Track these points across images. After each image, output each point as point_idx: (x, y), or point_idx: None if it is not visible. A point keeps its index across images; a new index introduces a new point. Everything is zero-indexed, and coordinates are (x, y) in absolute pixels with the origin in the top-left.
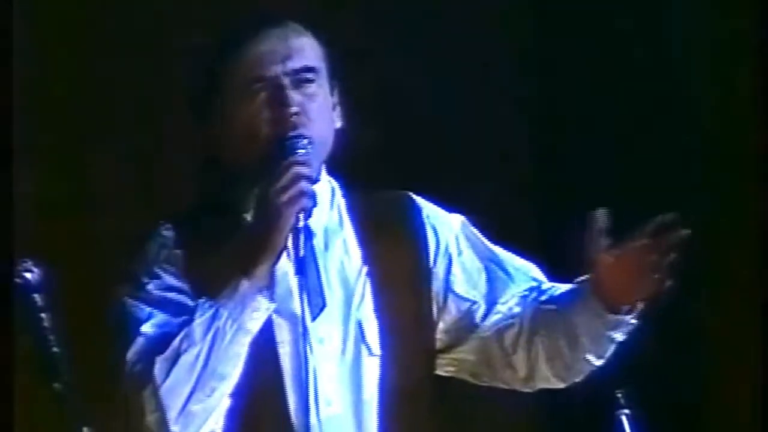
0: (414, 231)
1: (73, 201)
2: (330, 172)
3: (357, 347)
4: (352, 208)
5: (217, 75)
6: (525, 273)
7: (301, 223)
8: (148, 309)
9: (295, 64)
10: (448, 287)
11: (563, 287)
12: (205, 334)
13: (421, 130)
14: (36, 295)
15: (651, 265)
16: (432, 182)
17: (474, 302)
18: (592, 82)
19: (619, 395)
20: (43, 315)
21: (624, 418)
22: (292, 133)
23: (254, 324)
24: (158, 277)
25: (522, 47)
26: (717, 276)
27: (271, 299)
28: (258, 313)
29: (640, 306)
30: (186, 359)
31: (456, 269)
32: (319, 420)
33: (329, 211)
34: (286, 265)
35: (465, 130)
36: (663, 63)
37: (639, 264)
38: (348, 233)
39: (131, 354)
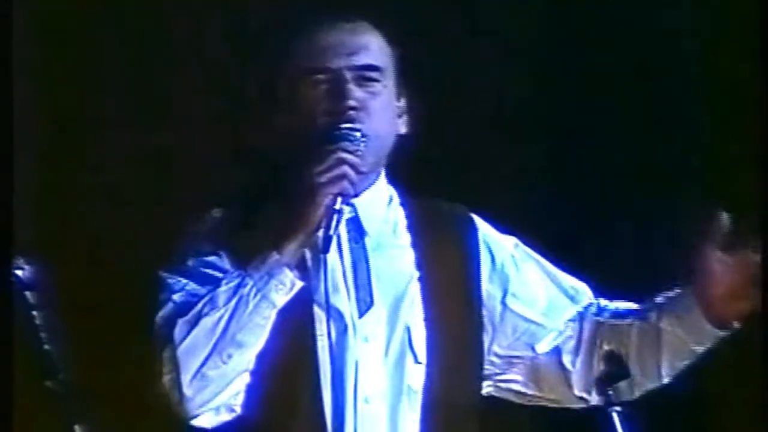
0: (469, 248)
1: (70, 198)
2: (390, 181)
3: (402, 351)
4: (409, 216)
5: (281, 62)
6: (581, 292)
7: (338, 206)
8: (183, 281)
9: (359, 60)
10: (505, 306)
11: (624, 304)
12: (229, 300)
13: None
14: (28, 293)
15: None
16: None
17: (533, 322)
18: (599, 83)
19: (610, 392)
20: (35, 312)
21: (615, 415)
22: (345, 126)
23: (278, 297)
24: (201, 254)
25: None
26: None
27: (301, 278)
28: (283, 286)
29: (738, 323)
30: (206, 322)
31: (514, 288)
32: (355, 415)
33: (385, 215)
34: (335, 262)
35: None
36: (667, 60)
37: (751, 276)
38: (403, 239)
39: (158, 318)
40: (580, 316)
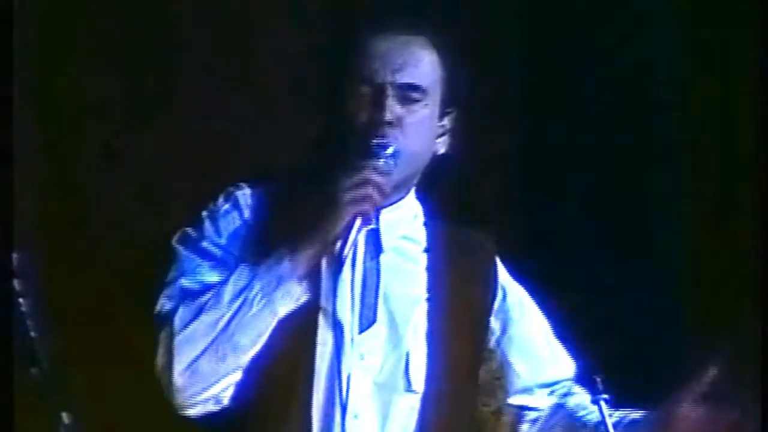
0: (485, 281)
1: (63, 189)
2: (418, 197)
3: (394, 375)
4: (430, 238)
5: (339, 66)
6: (566, 366)
7: (356, 225)
8: (197, 260)
9: (404, 78)
10: (498, 345)
11: (587, 399)
12: (233, 300)
13: None
14: (14, 281)
15: None
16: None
17: (516, 372)
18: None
19: (598, 380)
20: (20, 300)
21: (602, 404)
22: (378, 140)
23: (282, 307)
24: (218, 234)
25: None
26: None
27: (307, 291)
28: (288, 297)
29: None
30: (208, 317)
31: (512, 332)
32: (343, 429)
33: (405, 233)
34: (346, 274)
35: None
36: (658, 65)
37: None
38: (419, 261)
39: (163, 296)
40: (551, 390)
